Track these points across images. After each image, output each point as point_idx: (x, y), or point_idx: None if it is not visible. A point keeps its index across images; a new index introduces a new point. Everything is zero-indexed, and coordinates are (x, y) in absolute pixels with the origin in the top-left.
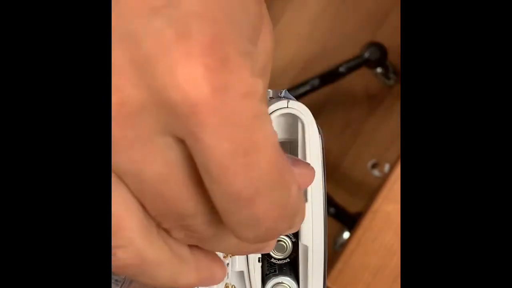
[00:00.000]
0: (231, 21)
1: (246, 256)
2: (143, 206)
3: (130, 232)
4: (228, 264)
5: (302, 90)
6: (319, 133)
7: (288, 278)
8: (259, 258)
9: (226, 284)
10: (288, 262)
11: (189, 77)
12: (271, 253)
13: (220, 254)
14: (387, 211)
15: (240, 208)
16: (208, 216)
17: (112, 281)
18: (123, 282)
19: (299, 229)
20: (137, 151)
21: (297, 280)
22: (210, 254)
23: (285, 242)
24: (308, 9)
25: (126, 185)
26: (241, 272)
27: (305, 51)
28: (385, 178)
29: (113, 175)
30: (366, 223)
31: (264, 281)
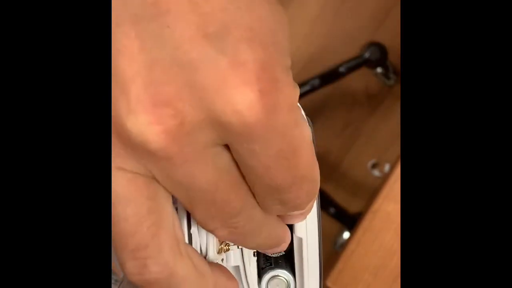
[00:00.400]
0: (274, 41)
1: (241, 250)
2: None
3: (162, 246)
4: (223, 259)
5: (302, 90)
6: (309, 125)
7: (284, 271)
8: (254, 252)
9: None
10: (283, 255)
11: (245, 102)
12: None
13: (215, 252)
14: (387, 211)
15: (277, 194)
16: (250, 211)
17: (112, 281)
18: (122, 281)
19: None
20: (192, 164)
21: (293, 272)
22: (226, 271)
23: None
24: (308, 9)
25: (178, 197)
26: (237, 267)
27: (305, 51)
28: (385, 178)
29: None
30: (366, 223)
31: (260, 275)
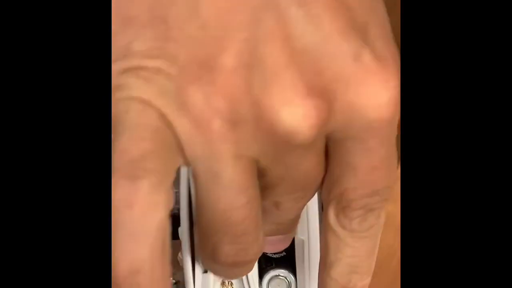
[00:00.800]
0: (392, 38)
1: None
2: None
3: (259, 233)
4: None
5: None
6: None
7: (285, 271)
8: None
9: (223, 280)
10: (284, 255)
11: (386, 98)
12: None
13: None
14: (387, 211)
15: (366, 195)
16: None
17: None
18: None
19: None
20: (308, 152)
21: (294, 273)
22: None
23: None
24: None
25: (273, 177)
26: None
27: None
28: None
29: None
30: None
31: (261, 275)
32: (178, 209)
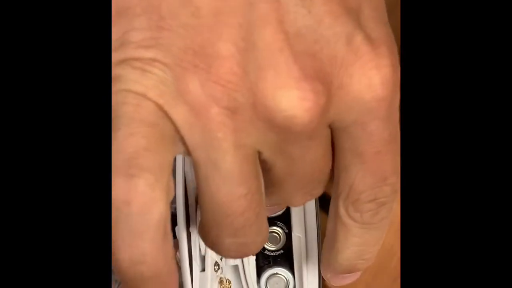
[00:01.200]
0: (386, 21)
1: None
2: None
3: (262, 225)
4: (222, 258)
5: None
6: None
7: (283, 269)
8: None
9: (220, 278)
10: (282, 253)
11: (379, 77)
12: (265, 245)
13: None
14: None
15: (375, 185)
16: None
17: (112, 281)
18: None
19: (291, 220)
20: (310, 141)
21: (292, 271)
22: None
23: (278, 234)
24: None
25: (276, 167)
26: (236, 266)
27: None
28: None
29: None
30: None
31: (259, 273)
32: (175, 208)
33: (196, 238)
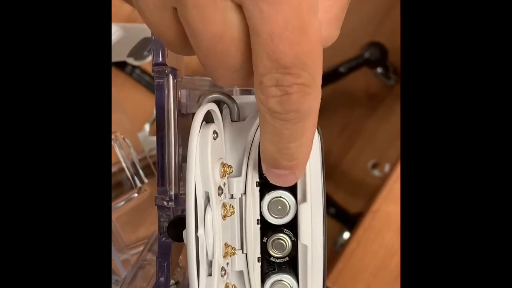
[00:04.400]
0: None
1: (245, 256)
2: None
3: None
4: (228, 263)
5: None
6: (318, 132)
7: (288, 276)
8: (258, 257)
9: (226, 284)
10: (287, 260)
11: None
12: (270, 251)
13: (221, 257)
14: (387, 211)
15: (275, 70)
16: (246, 71)
17: (112, 281)
18: (123, 282)
19: (299, 229)
20: (201, 9)
21: (296, 277)
22: None
23: (284, 241)
24: None
25: (189, 38)
26: (241, 272)
27: None
28: (385, 178)
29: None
30: (366, 223)
31: (263, 280)
32: (183, 211)
33: (203, 243)
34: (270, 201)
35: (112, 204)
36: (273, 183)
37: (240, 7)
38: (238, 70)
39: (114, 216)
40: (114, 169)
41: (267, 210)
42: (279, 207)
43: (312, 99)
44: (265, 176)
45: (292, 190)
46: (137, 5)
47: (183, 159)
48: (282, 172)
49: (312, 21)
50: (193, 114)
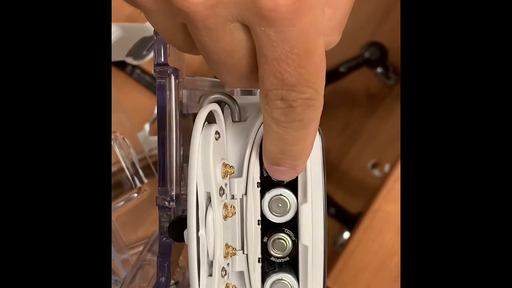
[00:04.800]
0: None
1: (246, 256)
2: None
3: None
4: (228, 264)
5: None
6: (319, 133)
7: (288, 275)
8: (259, 258)
9: (227, 284)
10: (287, 260)
11: None
12: (271, 251)
13: (222, 257)
14: (387, 211)
15: (280, 87)
16: (254, 78)
17: (112, 281)
18: (123, 283)
19: (299, 229)
20: (212, 31)
21: (297, 277)
22: None
23: (285, 241)
24: None
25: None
26: (241, 272)
27: None
28: (385, 178)
29: None
30: (366, 223)
31: (264, 279)
32: (184, 211)
33: (204, 243)
34: (271, 199)
35: (112, 204)
36: (273, 178)
37: (247, 28)
38: (246, 78)
39: (114, 216)
40: (114, 169)
41: (267, 208)
42: (280, 205)
43: (315, 109)
44: (265, 176)
45: (293, 188)
46: (144, 11)
47: (184, 159)
48: (284, 169)
49: (317, 45)
50: (194, 114)
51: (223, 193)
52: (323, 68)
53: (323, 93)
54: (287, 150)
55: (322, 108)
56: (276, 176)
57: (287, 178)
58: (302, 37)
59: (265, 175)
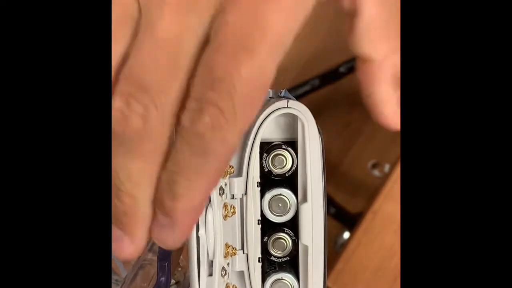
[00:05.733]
0: None
1: (246, 256)
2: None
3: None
4: (229, 264)
5: (302, 90)
6: (319, 133)
7: (288, 275)
8: (259, 258)
9: (227, 284)
10: (288, 260)
11: None
12: (271, 251)
13: (222, 257)
14: (387, 211)
15: (204, 80)
16: (175, 90)
17: (112, 281)
18: (123, 283)
19: (299, 229)
20: (172, 16)
21: (297, 277)
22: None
23: (285, 240)
24: None
25: None
26: (241, 272)
27: (305, 51)
28: (385, 178)
29: None
30: (366, 223)
31: (264, 279)
32: None
33: (204, 243)
34: (271, 199)
35: None
36: (155, 240)
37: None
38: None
39: None
40: None
41: (267, 208)
42: (280, 204)
43: (221, 138)
44: (266, 175)
45: (293, 188)
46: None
47: None
48: (163, 220)
49: (264, 52)
50: None
51: (223, 193)
52: (253, 88)
53: (241, 133)
54: (174, 182)
55: (229, 150)
56: (155, 233)
57: (162, 239)
58: (256, 32)
59: (266, 171)
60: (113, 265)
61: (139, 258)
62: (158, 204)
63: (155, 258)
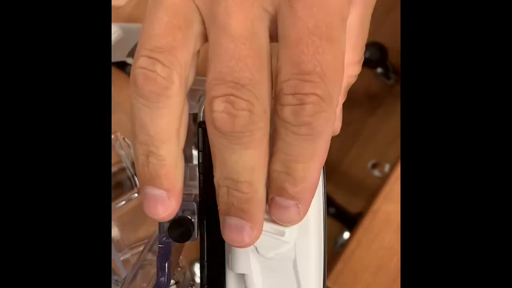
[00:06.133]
0: None
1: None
2: None
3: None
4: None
5: None
6: None
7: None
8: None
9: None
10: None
11: None
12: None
13: None
14: (387, 211)
15: (295, 76)
16: (259, 95)
17: (112, 281)
18: (123, 283)
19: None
20: (240, 10)
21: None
22: None
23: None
24: None
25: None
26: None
27: None
28: (385, 178)
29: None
30: (366, 223)
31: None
32: (184, 211)
33: None
34: None
35: (113, 204)
36: (280, 221)
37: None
38: (247, 86)
39: (114, 216)
40: (114, 169)
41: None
42: None
43: (325, 118)
44: None
45: None
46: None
47: (185, 159)
48: (286, 203)
49: (340, 35)
50: (194, 114)
51: None
52: (339, 68)
53: (336, 106)
54: (291, 169)
55: (333, 125)
56: (278, 215)
57: (288, 218)
58: (327, 18)
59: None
60: (113, 265)
61: (139, 258)
62: (279, 192)
63: (155, 258)
